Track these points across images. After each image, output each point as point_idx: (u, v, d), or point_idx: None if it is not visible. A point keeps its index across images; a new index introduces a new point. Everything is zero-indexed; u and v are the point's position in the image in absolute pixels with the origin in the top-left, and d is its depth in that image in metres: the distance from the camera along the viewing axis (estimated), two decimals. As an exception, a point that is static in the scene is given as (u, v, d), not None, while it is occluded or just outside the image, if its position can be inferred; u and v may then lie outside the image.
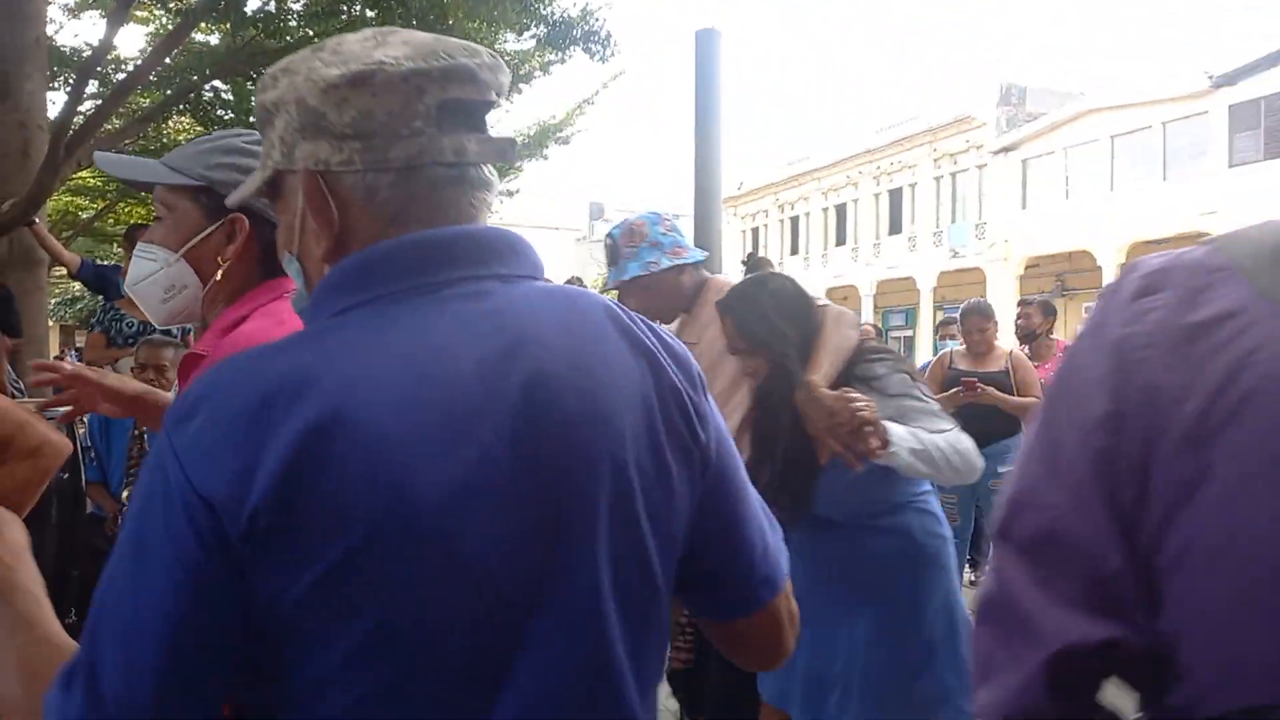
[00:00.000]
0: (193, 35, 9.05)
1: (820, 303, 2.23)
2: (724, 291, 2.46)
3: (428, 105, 0.79)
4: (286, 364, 0.72)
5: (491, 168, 0.85)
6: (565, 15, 6.82)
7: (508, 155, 0.85)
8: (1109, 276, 19.60)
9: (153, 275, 1.28)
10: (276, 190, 0.86)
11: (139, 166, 1.36)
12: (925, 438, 1.89)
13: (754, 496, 0.92)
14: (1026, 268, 25.66)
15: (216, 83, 8.93)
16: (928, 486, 2.19)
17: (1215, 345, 0.64)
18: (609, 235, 2.64)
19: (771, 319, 2.10)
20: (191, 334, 4.81)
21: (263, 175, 0.85)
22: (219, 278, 1.28)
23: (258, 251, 1.29)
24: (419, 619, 0.71)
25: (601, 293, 1.00)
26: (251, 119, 9.80)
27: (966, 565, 5.85)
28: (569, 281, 7.03)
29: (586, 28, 6.90)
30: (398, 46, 0.79)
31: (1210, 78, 20.68)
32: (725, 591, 0.91)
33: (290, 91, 0.81)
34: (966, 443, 1.94)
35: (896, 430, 1.86)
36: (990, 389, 4.63)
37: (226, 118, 9.41)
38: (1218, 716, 0.60)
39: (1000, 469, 4.80)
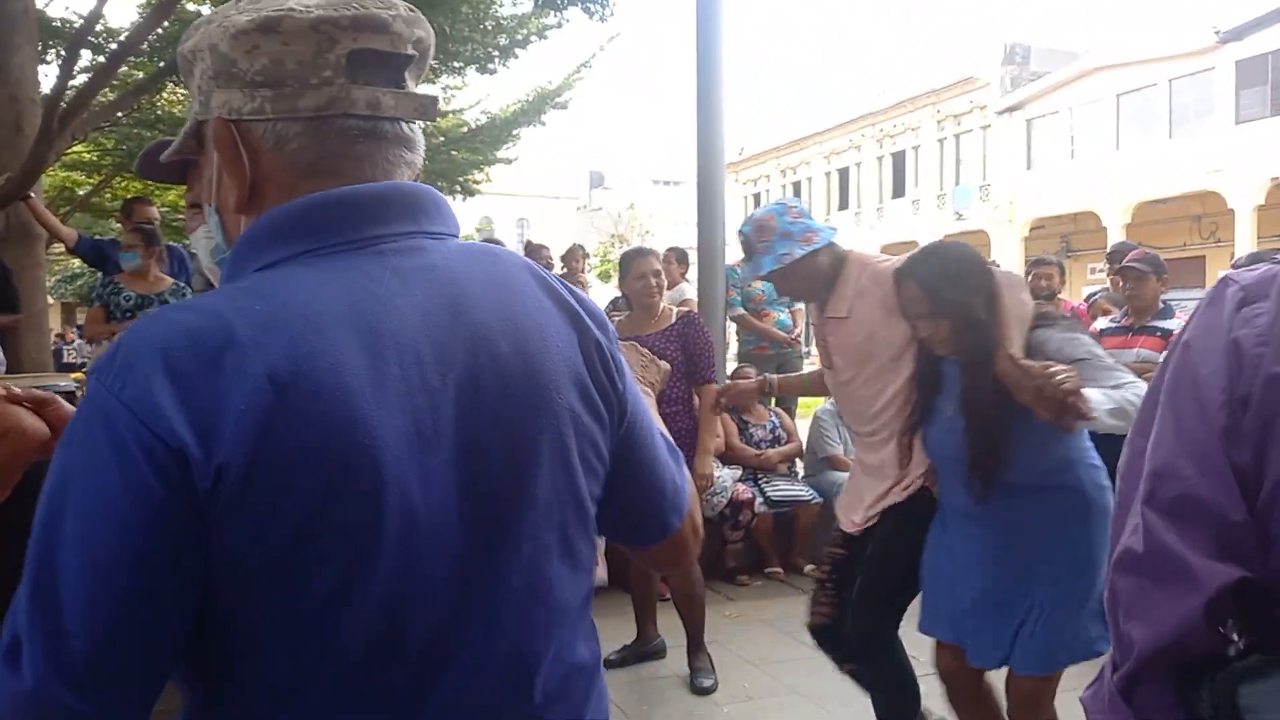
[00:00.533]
0: (185, 4, 8.91)
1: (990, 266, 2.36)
2: (867, 265, 2.62)
3: (339, 55, 0.78)
4: (233, 314, 0.71)
5: (416, 125, 0.85)
6: (562, -25, 6.68)
7: (428, 113, 0.85)
8: (1115, 237, 19.50)
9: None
10: (201, 143, 0.85)
11: None
12: (1116, 395, 2.02)
13: (660, 439, 0.99)
14: (1031, 229, 25.49)
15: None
16: (1090, 442, 2.32)
17: None
18: (740, 231, 2.77)
19: (958, 284, 2.21)
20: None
21: (186, 127, 0.85)
22: None
23: None
24: (382, 564, 0.73)
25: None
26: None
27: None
28: (570, 249, 6.96)
29: (584, -13, 6.77)
30: None
31: (1217, 33, 20.37)
32: (643, 525, 1.00)
33: (205, 39, 0.80)
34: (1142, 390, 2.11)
35: (1093, 395, 1.98)
36: None
37: (221, 88, 9.28)
38: None
39: None
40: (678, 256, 6.30)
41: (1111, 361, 2.19)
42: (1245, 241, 19.26)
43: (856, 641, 2.60)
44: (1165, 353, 0.98)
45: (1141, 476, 0.89)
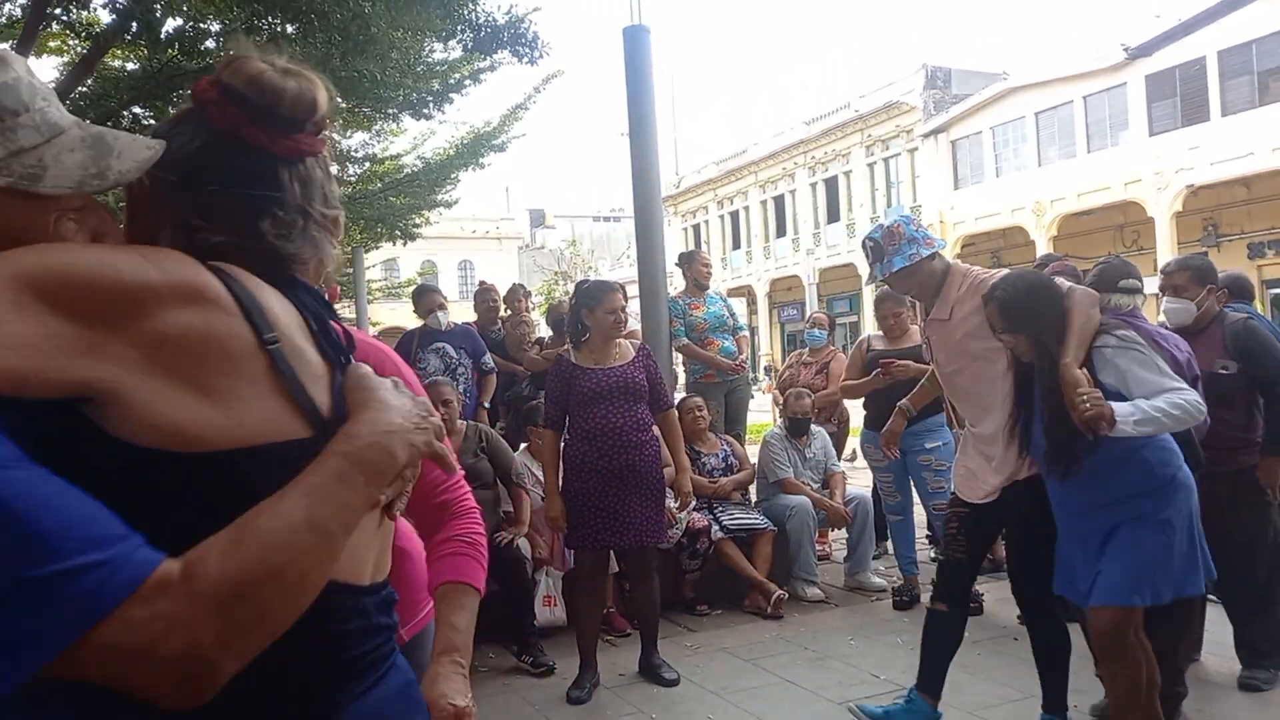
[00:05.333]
0: (109, 62, 8.79)
1: (1065, 286, 2.82)
2: (967, 275, 3.12)
3: None
4: None
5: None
6: (491, 19, 6.73)
7: None
8: (1042, 250, 20.09)
9: None
10: None
11: None
12: (1145, 406, 2.52)
13: None
14: (963, 246, 26.12)
15: (136, 109, 8.68)
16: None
17: None
18: (870, 237, 3.23)
19: (1027, 305, 2.73)
20: None
21: None
22: None
23: None
24: None
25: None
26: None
27: (927, 539, 5.91)
28: (511, 289, 6.93)
29: (514, 31, 6.83)
30: None
31: (1125, 50, 21.23)
32: None
33: None
34: (1186, 395, 2.55)
35: (1121, 409, 2.51)
36: (905, 361, 4.73)
37: (149, 144, 9.14)
38: None
39: (928, 445, 4.85)
40: (620, 291, 6.35)
41: (1158, 370, 2.63)
42: (1166, 248, 19.97)
43: (1025, 604, 3.19)
44: None
45: None
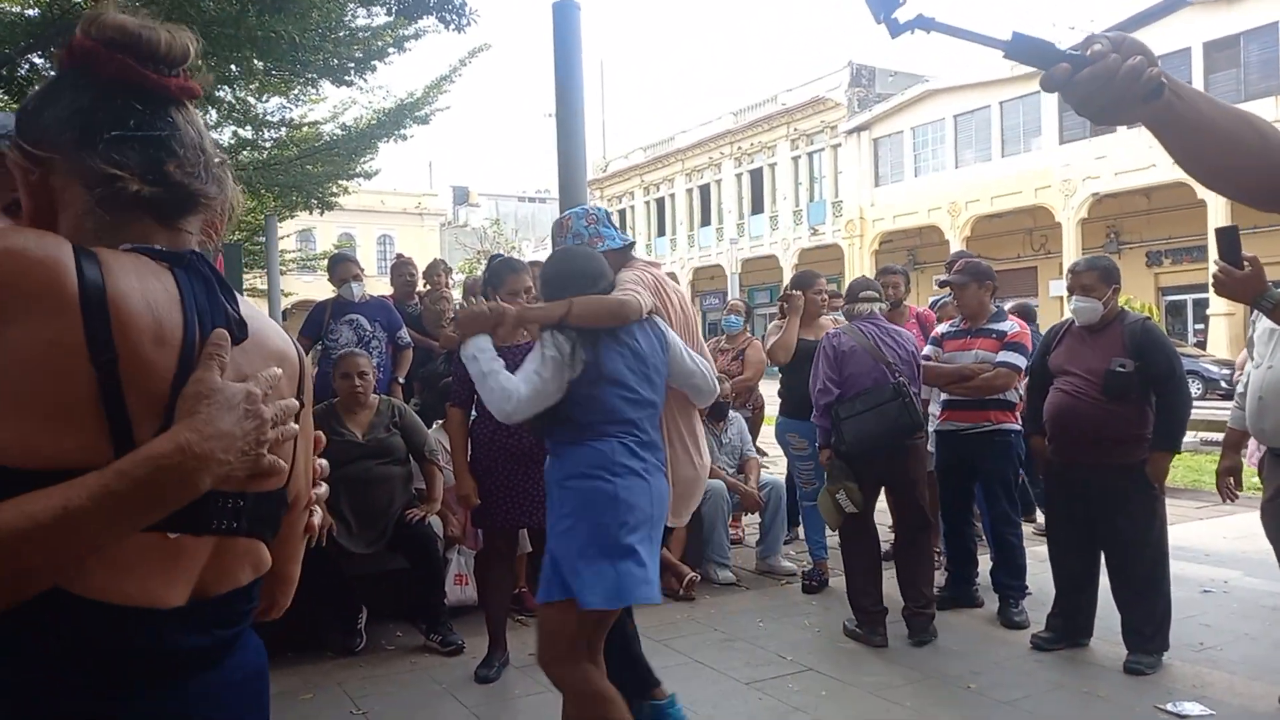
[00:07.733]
0: (7, 7, 8.28)
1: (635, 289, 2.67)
2: (638, 273, 2.84)
3: None
4: None
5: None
6: (415, -16, 6.55)
7: None
8: (956, 248, 20.72)
9: None
10: None
11: None
12: (496, 364, 2.53)
13: None
14: (881, 243, 26.73)
15: (35, 58, 8.19)
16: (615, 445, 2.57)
17: None
18: (557, 222, 3.10)
19: (556, 272, 2.63)
20: None
21: None
22: None
23: None
24: None
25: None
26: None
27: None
28: (431, 264, 6.80)
29: (440, -3, 6.67)
30: None
31: (1041, 60, 21.93)
32: None
33: None
34: (515, 387, 2.49)
35: (480, 343, 2.55)
36: (795, 292, 5.21)
37: (47, 95, 8.65)
38: None
39: None
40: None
41: (537, 362, 2.53)
42: (1072, 253, 20.79)
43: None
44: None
45: None
